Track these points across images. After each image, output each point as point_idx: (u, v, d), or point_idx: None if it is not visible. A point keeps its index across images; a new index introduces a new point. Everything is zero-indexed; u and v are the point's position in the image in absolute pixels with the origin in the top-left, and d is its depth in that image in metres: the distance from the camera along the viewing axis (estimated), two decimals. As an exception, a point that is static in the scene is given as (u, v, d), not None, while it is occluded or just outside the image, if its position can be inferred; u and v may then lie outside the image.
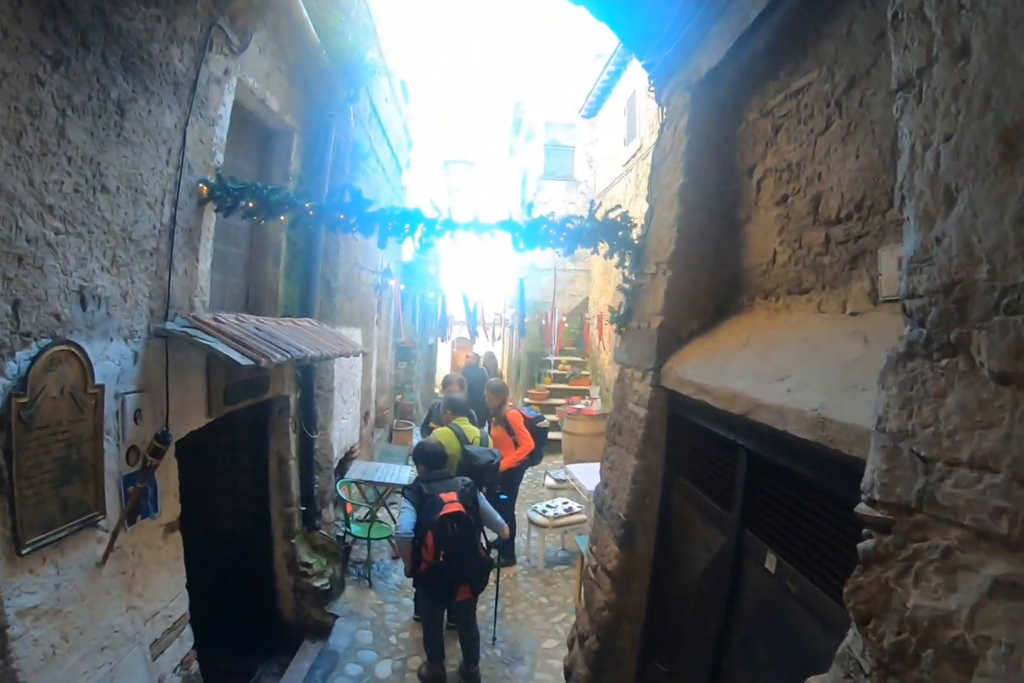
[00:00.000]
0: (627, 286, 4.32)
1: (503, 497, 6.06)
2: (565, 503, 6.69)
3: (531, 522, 6.50)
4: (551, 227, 3.99)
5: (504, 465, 6.06)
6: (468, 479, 4.46)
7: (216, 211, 3.69)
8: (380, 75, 7.30)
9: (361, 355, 7.62)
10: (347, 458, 7.57)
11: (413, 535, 4.14)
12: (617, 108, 11.81)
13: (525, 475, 7.35)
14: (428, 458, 4.55)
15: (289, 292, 5.21)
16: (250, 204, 3.69)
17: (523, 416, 6.43)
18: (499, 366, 17.49)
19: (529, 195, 15.81)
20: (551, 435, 11.62)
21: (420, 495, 4.24)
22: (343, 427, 6.98)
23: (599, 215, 4.11)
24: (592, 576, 4.11)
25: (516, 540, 6.83)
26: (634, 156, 10.35)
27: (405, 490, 4.41)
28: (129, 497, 2.88)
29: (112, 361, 2.88)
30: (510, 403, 6.80)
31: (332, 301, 5.78)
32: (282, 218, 3.74)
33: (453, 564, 4.11)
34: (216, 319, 3.62)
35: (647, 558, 3.63)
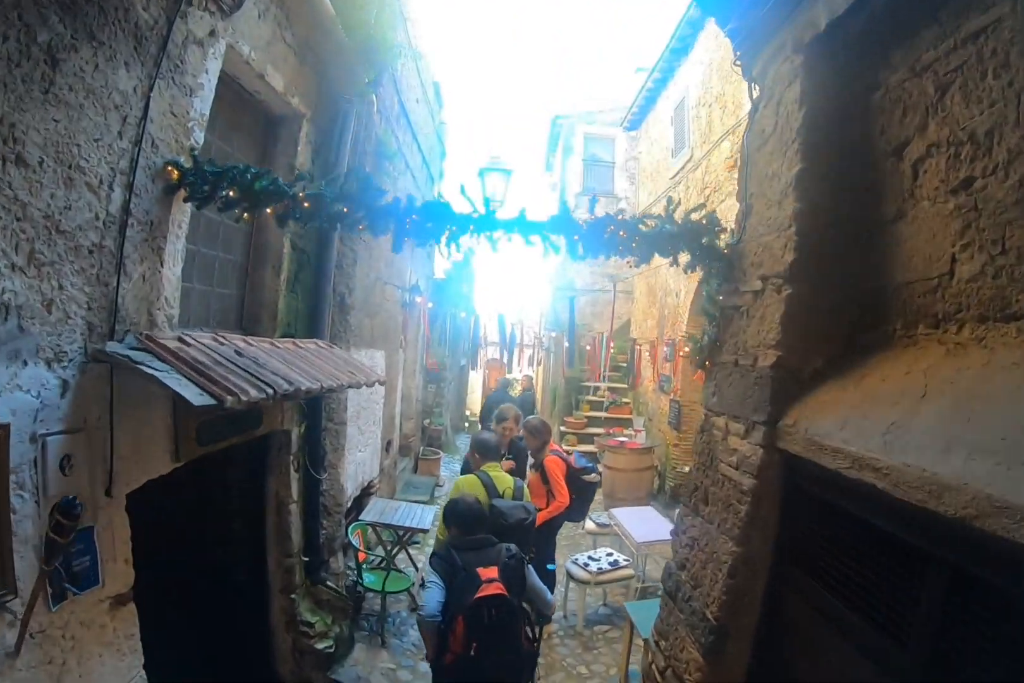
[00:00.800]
0: (712, 308, 3.46)
1: (551, 567, 5.22)
2: (609, 554, 5.77)
3: (570, 577, 5.59)
4: (620, 228, 3.15)
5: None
6: (513, 548, 3.51)
7: (187, 201, 2.91)
8: (408, 62, 6.57)
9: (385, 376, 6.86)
10: (365, 493, 6.75)
11: (439, 618, 3.24)
12: (663, 118, 11.03)
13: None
14: (463, 520, 3.59)
15: (292, 308, 4.42)
16: (230, 192, 2.90)
17: (565, 464, 5.43)
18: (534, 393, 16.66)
19: (568, 210, 15.01)
20: (583, 448, 10.84)
21: (452, 567, 3.32)
22: (360, 461, 6.17)
23: (678, 215, 3.25)
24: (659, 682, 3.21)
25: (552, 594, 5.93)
26: (683, 167, 9.53)
27: (433, 558, 3.46)
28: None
29: (26, 392, 2.11)
30: (554, 446, 5.67)
31: (346, 319, 4.99)
32: (268, 211, 2.92)
33: (488, 659, 3.18)
34: (182, 339, 2.83)
35: (740, 673, 2.72)
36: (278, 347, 3.66)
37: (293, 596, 4.78)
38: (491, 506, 3.91)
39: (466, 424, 18.64)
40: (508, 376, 16.93)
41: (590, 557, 5.69)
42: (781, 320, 2.66)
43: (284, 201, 2.87)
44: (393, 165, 6.34)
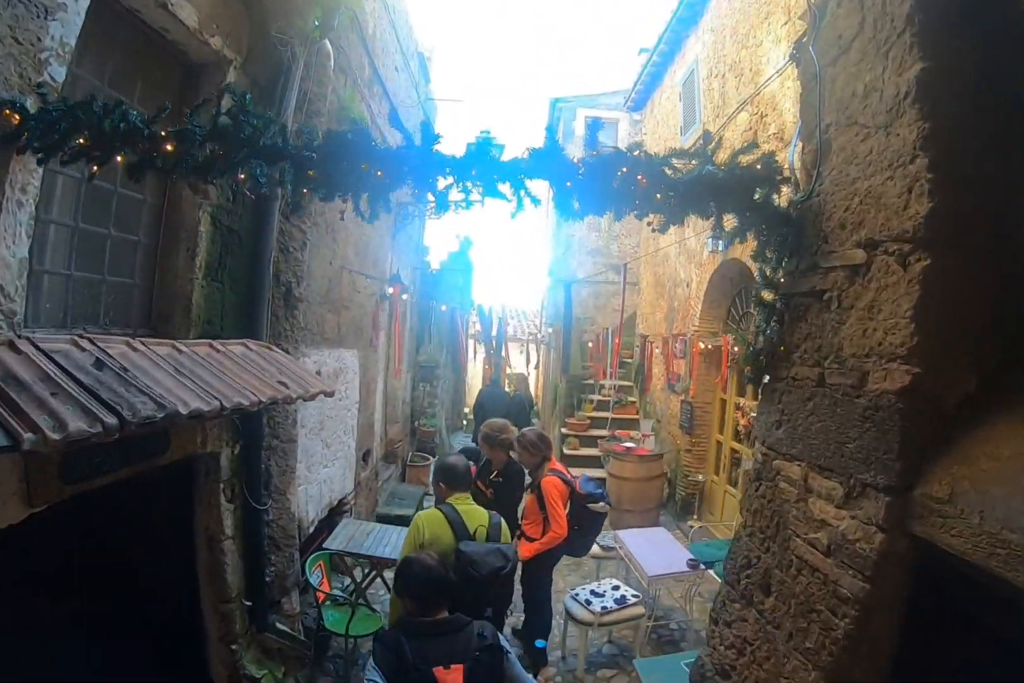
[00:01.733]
0: (770, 297, 2.62)
1: (540, 643, 4.45)
2: (616, 588, 4.92)
3: (570, 616, 4.74)
4: (636, 170, 2.29)
5: (523, 553, 4.35)
6: (489, 632, 2.49)
7: (26, 152, 2.07)
8: (381, 14, 5.68)
9: (358, 379, 6.02)
10: (338, 512, 5.94)
11: None
12: (670, 95, 10.17)
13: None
14: (418, 591, 2.60)
15: (214, 301, 3.58)
16: (81, 140, 2.06)
17: (567, 487, 4.49)
18: (530, 389, 15.85)
19: (569, 199, 14.16)
20: (589, 473, 9.95)
21: (399, 663, 2.29)
22: (326, 478, 5.35)
23: (721, 158, 2.42)
24: None
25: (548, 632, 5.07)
26: (694, 146, 8.61)
27: (376, 646, 2.44)
28: None
29: None
30: (556, 465, 4.66)
31: (293, 314, 4.15)
32: (118, 159, 2.07)
33: None
34: (13, 345, 2.00)
35: None
36: (181, 351, 2.83)
37: (234, 646, 3.98)
38: (458, 552, 3.05)
39: (464, 422, 17.82)
40: (511, 371, 16.12)
41: (593, 592, 4.83)
42: (915, 312, 1.77)
43: (141, 144, 2.02)
44: (361, 136, 5.49)
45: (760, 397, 2.82)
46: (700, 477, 7.98)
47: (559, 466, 4.68)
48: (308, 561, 4.72)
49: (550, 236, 17.82)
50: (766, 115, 6.62)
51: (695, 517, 8.11)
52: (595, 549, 6.05)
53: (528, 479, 4.82)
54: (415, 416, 11.29)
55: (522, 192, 2.33)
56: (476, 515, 3.38)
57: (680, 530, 8.10)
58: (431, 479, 3.84)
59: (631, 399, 11.38)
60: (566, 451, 10.34)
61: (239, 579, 4.01)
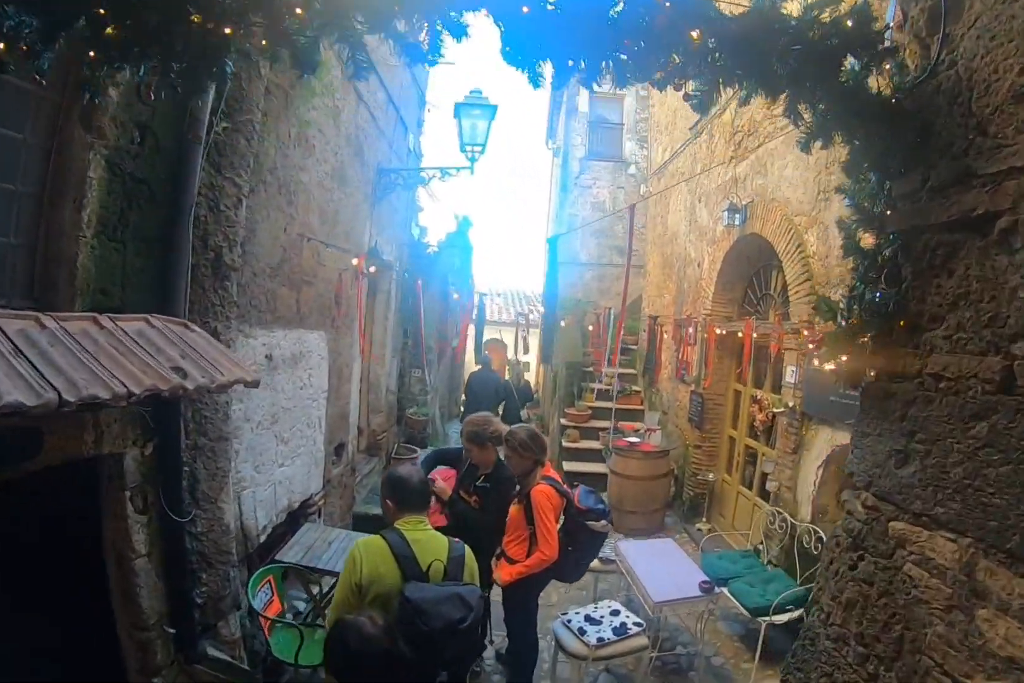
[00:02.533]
0: (871, 239, 1.89)
1: None
2: (615, 613, 4.19)
3: (560, 646, 4.02)
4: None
5: (502, 577, 3.68)
6: None
7: None
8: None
9: (326, 365, 5.30)
10: (303, 514, 5.25)
11: None
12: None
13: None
14: (355, 669, 2.02)
15: (112, 266, 2.84)
16: None
17: (561, 499, 3.71)
18: (521, 376, 15.12)
19: (572, 177, 13.44)
20: (590, 468, 9.32)
21: None
22: (282, 478, 4.65)
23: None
24: None
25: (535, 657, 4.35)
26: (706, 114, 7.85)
27: None
28: None
29: None
30: (550, 471, 3.87)
31: (224, 286, 3.40)
32: None
33: None
34: None
35: None
36: (44, 327, 2.12)
37: (156, 680, 3.31)
38: (402, 599, 2.31)
39: (461, 409, 17.13)
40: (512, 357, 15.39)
41: (588, 617, 4.11)
42: None
43: None
44: (322, 84, 4.73)
45: (861, 405, 2.03)
46: (711, 476, 7.26)
47: (555, 473, 3.91)
48: (253, 577, 4.02)
49: (552, 216, 17.05)
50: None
51: (704, 519, 7.42)
52: (593, 561, 5.36)
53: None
54: (404, 405, 10.58)
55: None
56: (432, 545, 2.59)
57: (687, 533, 7.41)
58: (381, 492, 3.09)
59: (635, 388, 10.65)
60: (565, 444, 9.63)
61: (159, 602, 3.32)
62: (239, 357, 3.31)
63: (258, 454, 4.21)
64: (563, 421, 10.15)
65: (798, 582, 4.85)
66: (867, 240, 1.94)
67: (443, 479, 4.19)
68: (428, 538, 2.59)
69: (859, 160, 1.87)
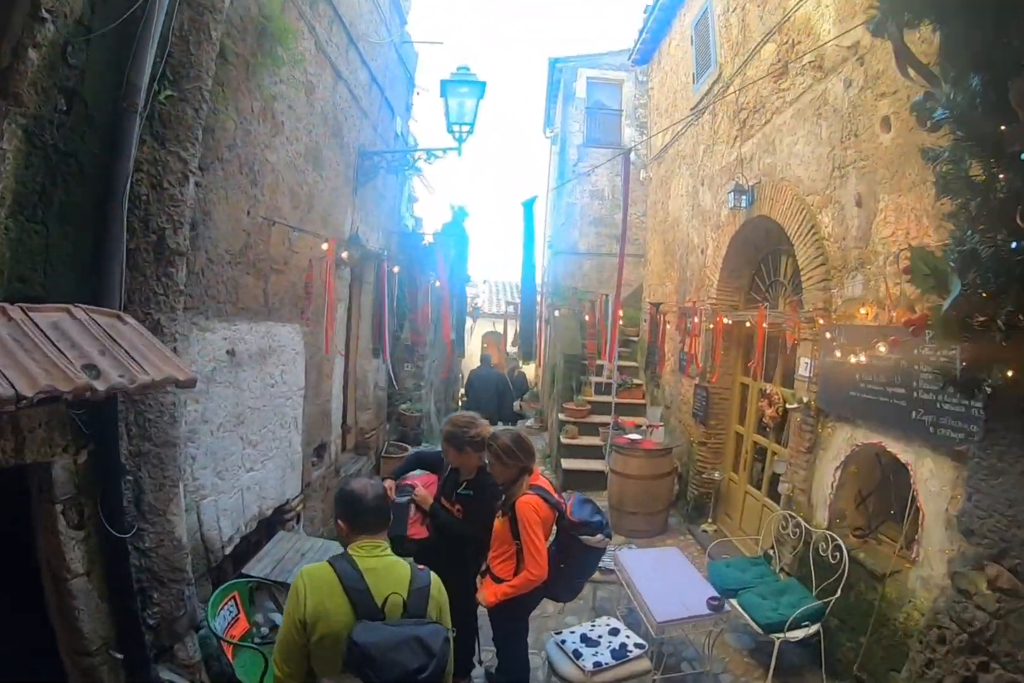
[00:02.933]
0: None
1: None
2: (614, 632, 3.79)
3: (554, 670, 3.63)
4: None
5: (487, 598, 3.31)
6: None
7: None
8: None
9: (302, 360, 4.92)
10: (277, 520, 4.88)
11: None
12: (680, 42, 9.03)
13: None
14: None
15: (30, 250, 2.43)
16: None
17: (551, 511, 3.31)
18: (516, 368, 14.74)
19: (569, 165, 13.02)
20: (589, 465, 8.93)
21: None
22: (248, 485, 4.27)
23: None
24: None
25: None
26: (708, 92, 7.47)
27: None
28: None
29: None
30: (539, 479, 3.45)
31: (169, 274, 3.00)
32: None
33: None
34: None
35: None
36: None
37: (103, 709, 2.96)
38: (350, 643, 1.91)
39: (459, 404, 16.75)
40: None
41: (584, 637, 3.72)
42: None
43: None
44: (291, 54, 4.32)
45: (987, 422, 1.48)
46: (716, 475, 6.87)
47: (544, 481, 3.49)
48: (215, 594, 3.65)
49: (550, 205, 16.62)
50: (799, 42, 5.42)
51: (709, 520, 7.03)
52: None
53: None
54: (397, 400, 10.20)
55: None
56: (390, 575, 2.16)
57: (692, 534, 7.03)
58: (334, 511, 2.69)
59: (636, 382, 10.26)
60: (564, 440, 9.24)
61: (103, 625, 2.95)
62: (175, 354, 2.90)
63: (220, 459, 3.83)
64: (561, 416, 9.75)
65: (814, 593, 4.48)
66: (976, 171, 1.49)
67: (424, 485, 3.81)
68: (386, 566, 2.18)
69: (955, 53, 1.44)
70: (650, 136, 10.98)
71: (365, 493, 2.30)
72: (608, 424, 9.01)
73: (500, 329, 18.52)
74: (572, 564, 3.39)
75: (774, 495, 5.92)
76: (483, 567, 3.49)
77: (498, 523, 3.34)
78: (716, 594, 4.12)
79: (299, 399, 4.96)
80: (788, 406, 4.97)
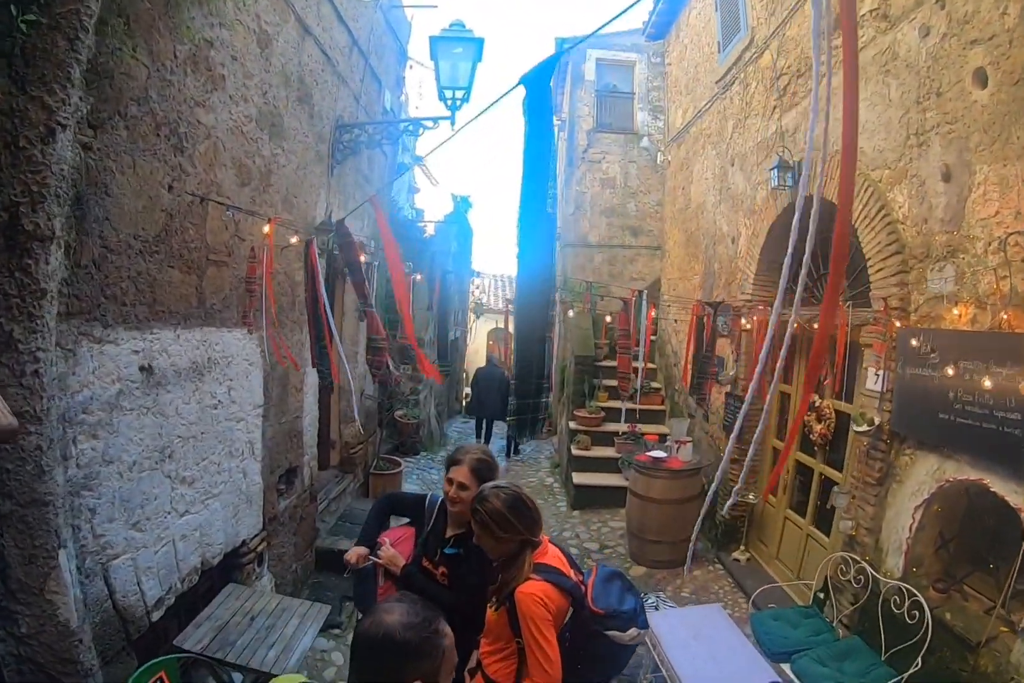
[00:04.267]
0: None
1: None
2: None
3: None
4: None
5: None
6: None
7: None
8: None
9: (259, 372, 4.07)
10: (232, 564, 4.04)
11: None
12: (701, 10, 8.09)
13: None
14: None
15: None
16: None
17: (563, 602, 2.33)
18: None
19: (578, 151, 12.13)
20: (603, 480, 7.88)
21: None
22: (183, 533, 3.40)
23: None
24: None
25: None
26: (738, 61, 6.54)
27: None
28: None
29: None
30: (548, 554, 2.43)
31: (26, 267, 2.11)
32: None
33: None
34: None
35: None
36: None
37: None
38: None
39: (462, 405, 15.93)
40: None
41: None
42: None
43: None
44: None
45: None
46: (751, 496, 5.97)
47: (554, 556, 2.46)
48: (134, 676, 2.80)
49: (560, 195, 15.70)
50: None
51: (742, 547, 6.14)
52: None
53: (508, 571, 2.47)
54: (394, 406, 9.35)
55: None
56: None
57: (721, 563, 6.15)
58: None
59: (655, 385, 9.35)
60: (575, 451, 8.35)
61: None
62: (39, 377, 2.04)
63: (137, 506, 2.96)
64: (572, 425, 8.85)
65: (883, 657, 3.61)
66: None
67: (396, 541, 2.93)
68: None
69: None
70: (667, 117, 10.08)
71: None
72: (624, 434, 8.15)
73: (510, 327, 17.70)
74: (593, 665, 2.47)
75: (822, 525, 5.07)
76: (472, 661, 2.58)
77: (493, 616, 2.41)
78: (778, 681, 3.23)
79: (256, 420, 4.09)
80: (856, 429, 4.06)
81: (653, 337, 9.92)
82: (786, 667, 3.66)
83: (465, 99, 5.05)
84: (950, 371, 3.22)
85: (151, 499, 3.06)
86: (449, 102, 5.03)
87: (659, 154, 11.11)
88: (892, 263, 3.87)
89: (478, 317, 18.38)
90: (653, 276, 11.05)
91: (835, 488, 4.50)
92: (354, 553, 2.77)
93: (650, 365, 9.68)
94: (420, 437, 10.00)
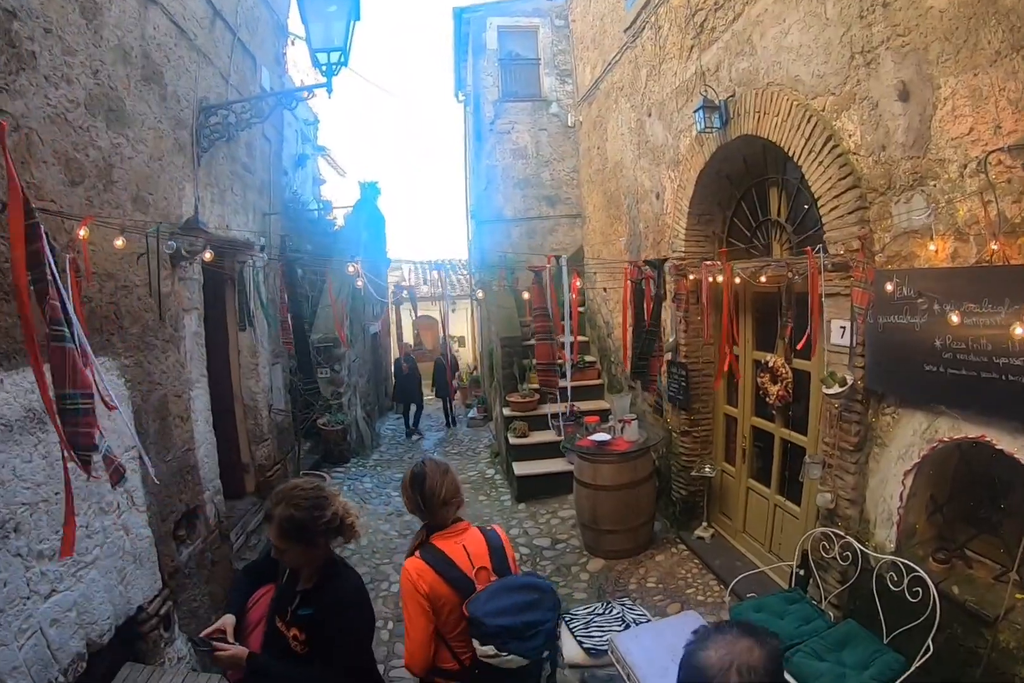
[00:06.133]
0: None
1: None
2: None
3: None
4: None
5: None
6: None
7: None
8: None
9: (128, 408, 3.33)
10: (135, 635, 3.33)
11: None
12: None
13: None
14: None
15: None
16: None
17: (445, 589, 2.26)
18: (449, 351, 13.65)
19: (486, 123, 11.49)
20: (547, 467, 7.30)
21: None
22: (58, 612, 2.69)
23: None
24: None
25: None
26: (647, 5, 5.97)
27: None
28: None
29: None
30: (449, 540, 2.40)
31: None
32: None
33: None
34: None
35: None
36: None
37: None
38: None
39: (392, 402, 15.24)
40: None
41: None
42: None
43: None
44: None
45: None
46: (707, 469, 5.52)
47: (456, 546, 2.40)
48: None
49: (469, 171, 15.00)
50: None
51: (705, 524, 5.73)
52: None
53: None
54: (313, 413, 8.60)
55: None
56: None
57: (684, 543, 5.74)
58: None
59: (589, 359, 8.85)
60: (513, 440, 7.79)
61: None
62: None
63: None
64: (506, 411, 8.28)
65: (885, 640, 3.21)
66: None
67: (256, 601, 2.40)
68: None
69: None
70: (574, 76, 9.52)
71: None
72: (560, 415, 7.63)
73: (435, 314, 16.97)
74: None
75: (791, 493, 4.74)
76: None
77: None
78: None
79: (130, 464, 3.36)
80: (827, 391, 3.60)
81: (581, 308, 9.43)
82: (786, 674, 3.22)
83: (343, 63, 4.32)
84: (936, 316, 2.77)
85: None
86: (323, 67, 4.30)
87: (569, 116, 10.60)
88: (848, 199, 3.42)
89: (399, 305, 17.65)
90: (575, 245, 10.57)
91: (806, 458, 4.06)
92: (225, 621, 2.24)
93: (581, 338, 9.21)
94: (349, 443, 9.29)
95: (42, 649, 2.60)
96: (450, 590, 2.27)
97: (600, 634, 3.72)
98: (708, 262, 4.86)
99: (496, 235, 11.45)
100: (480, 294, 9.15)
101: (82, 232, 2.45)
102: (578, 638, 3.68)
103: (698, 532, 5.70)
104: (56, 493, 2.76)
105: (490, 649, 2.20)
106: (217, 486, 4.56)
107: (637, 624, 3.77)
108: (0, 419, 2.49)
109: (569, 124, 10.71)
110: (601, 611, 4.04)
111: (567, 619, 3.87)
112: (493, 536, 2.51)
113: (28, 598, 2.56)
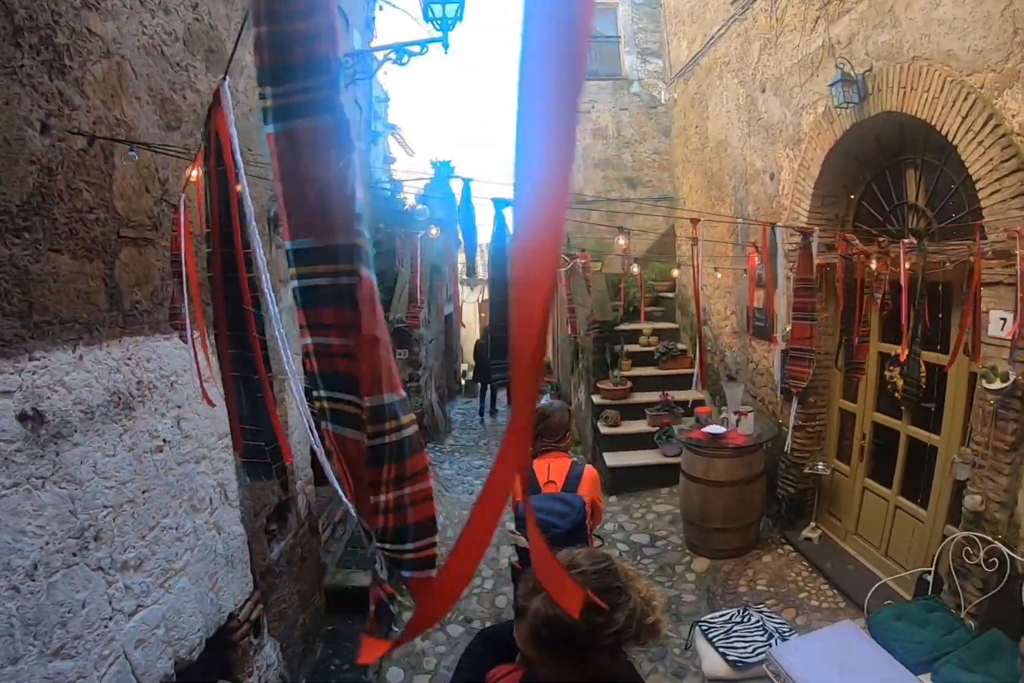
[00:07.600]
0: None
1: None
2: None
3: None
4: None
5: None
6: None
7: None
8: None
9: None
10: (227, 643, 3.19)
11: None
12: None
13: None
14: None
15: None
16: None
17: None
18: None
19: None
20: (639, 459, 7.02)
21: None
22: (143, 632, 2.53)
23: None
24: None
25: None
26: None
27: None
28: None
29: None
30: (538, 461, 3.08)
31: None
32: None
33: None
34: None
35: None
36: None
37: None
38: None
39: (461, 382, 15.13)
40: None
41: None
42: None
43: None
44: None
45: None
46: (820, 466, 5.12)
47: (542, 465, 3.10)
48: None
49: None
50: None
51: (813, 525, 5.34)
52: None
53: None
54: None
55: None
56: None
57: (791, 544, 5.38)
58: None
59: (681, 347, 8.44)
60: (604, 430, 7.47)
61: None
62: None
63: (56, 625, 2.02)
64: (596, 399, 7.96)
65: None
66: None
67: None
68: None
69: None
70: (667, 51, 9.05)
71: None
72: (656, 405, 7.30)
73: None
74: None
75: (914, 494, 4.37)
76: None
77: None
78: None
79: (224, 454, 3.18)
80: (988, 386, 3.22)
81: (669, 294, 9.08)
82: (925, 677, 2.96)
83: (459, 17, 4.00)
84: None
85: (78, 607, 2.14)
86: (436, 20, 3.96)
87: (662, 93, 10.11)
88: (1011, 183, 3.06)
89: (472, 288, 17.54)
90: (658, 229, 10.13)
91: (955, 457, 3.68)
92: None
93: (671, 325, 8.82)
94: (424, 427, 9.16)
95: (126, 675, 2.36)
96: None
97: (743, 645, 3.49)
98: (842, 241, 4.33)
99: (575, 216, 11.15)
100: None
101: (195, 173, 2.12)
102: (720, 650, 3.45)
103: (805, 532, 5.32)
104: (143, 491, 2.53)
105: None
106: (308, 474, 4.40)
107: (780, 633, 3.55)
108: (79, 404, 2.20)
109: (663, 100, 10.22)
110: (739, 618, 3.80)
111: (704, 628, 3.74)
112: (576, 467, 3.04)
113: (110, 619, 2.32)
